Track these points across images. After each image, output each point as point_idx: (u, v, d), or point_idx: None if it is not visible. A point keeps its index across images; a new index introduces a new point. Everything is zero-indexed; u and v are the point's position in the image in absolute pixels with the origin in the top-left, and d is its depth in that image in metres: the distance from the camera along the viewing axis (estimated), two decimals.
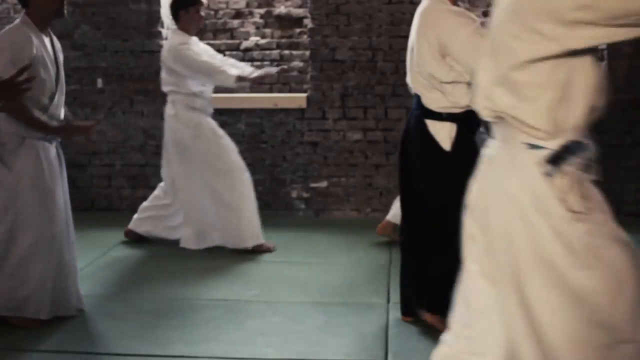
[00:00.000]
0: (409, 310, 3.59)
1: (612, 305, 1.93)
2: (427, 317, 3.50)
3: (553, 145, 1.96)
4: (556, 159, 1.96)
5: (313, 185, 6.04)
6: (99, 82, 6.02)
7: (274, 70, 5.07)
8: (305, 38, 6.16)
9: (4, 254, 3.46)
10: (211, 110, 5.05)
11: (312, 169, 6.03)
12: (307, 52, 6.04)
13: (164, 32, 6.08)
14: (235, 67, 4.96)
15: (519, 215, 1.98)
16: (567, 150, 1.96)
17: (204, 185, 4.90)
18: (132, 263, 4.67)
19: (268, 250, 4.91)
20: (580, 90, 1.94)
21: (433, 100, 3.35)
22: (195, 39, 5.02)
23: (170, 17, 4.96)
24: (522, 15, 1.92)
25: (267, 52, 6.24)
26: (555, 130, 1.95)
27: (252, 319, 3.66)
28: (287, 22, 6.28)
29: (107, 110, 6.09)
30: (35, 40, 3.39)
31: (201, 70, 4.81)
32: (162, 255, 4.87)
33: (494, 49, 2.02)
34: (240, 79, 4.83)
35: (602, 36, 1.86)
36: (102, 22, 6.00)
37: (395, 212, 4.86)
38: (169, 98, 4.97)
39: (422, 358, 3.16)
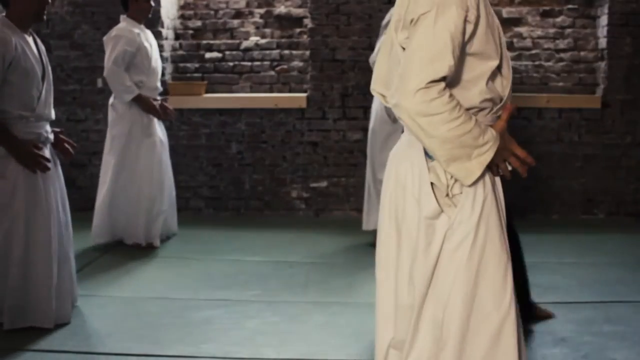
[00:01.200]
0: None
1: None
2: None
3: None
4: None
5: (313, 185, 6.04)
6: (99, 82, 6.02)
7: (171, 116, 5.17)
8: (305, 38, 6.16)
9: (4, 265, 3.41)
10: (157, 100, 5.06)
11: (312, 169, 6.03)
12: (307, 52, 6.04)
13: (164, 32, 6.08)
14: (146, 90, 4.97)
15: (404, 198, 2.01)
16: None
17: (120, 179, 4.95)
18: (132, 263, 4.67)
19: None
20: (465, 84, 1.94)
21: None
22: (148, 32, 5.07)
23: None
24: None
25: (267, 52, 6.24)
26: None
27: (252, 319, 3.66)
28: (287, 22, 6.28)
29: (107, 110, 6.08)
30: (15, 41, 3.37)
31: (107, 74, 4.87)
32: (162, 255, 4.87)
33: (393, 38, 2.06)
34: (132, 101, 4.89)
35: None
36: (102, 22, 5.99)
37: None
38: None
39: None
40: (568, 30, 6.07)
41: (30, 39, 3.50)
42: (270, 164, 6.06)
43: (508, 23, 6.06)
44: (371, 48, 5.86)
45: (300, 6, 6.24)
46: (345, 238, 5.27)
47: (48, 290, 3.45)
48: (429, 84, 1.82)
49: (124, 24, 4.93)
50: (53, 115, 3.60)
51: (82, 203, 5.52)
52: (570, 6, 6.06)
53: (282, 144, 6.03)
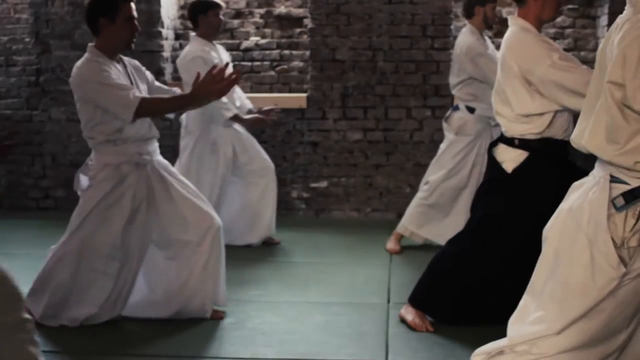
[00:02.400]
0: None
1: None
2: (409, 310, 3.53)
3: (635, 183, 2.00)
4: (630, 196, 1.99)
5: (313, 185, 6.04)
6: None
7: (267, 119, 4.98)
8: (305, 38, 6.16)
9: (57, 260, 3.49)
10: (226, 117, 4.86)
11: (312, 169, 6.03)
12: (307, 52, 6.05)
13: (164, 32, 6.08)
14: (240, 103, 4.92)
15: (574, 230, 2.08)
16: None
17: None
18: None
19: None
20: None
21: (509, 127, 3.29)
22: (219, 48, 4.99)
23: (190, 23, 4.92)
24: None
25: (267, 52, 6.24)
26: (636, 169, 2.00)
27: (252, 319, 3.66)
28: (287, 22, 6.28)
29: None
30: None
31: None
32: None
33: (597, 87, 2.09)
34: (233, 119, 4.82)
35: None
36: None
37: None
38: None
39: (422, 358, 3.16)
40: (568, 30, 6.07)
41: (119, 66, 3.51)
42: None
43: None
44: (371, 48, 5.88)
45: (300, 6, 6.25)
46: (345, 238, 5.27)
47: (85, 297, 3.49)
48: None
49: (194, 44, 4.83)
50: (154, 133, 3.59)
51: None
52: (570, 6, 6.07)
53: (282, 144, 6.03)
